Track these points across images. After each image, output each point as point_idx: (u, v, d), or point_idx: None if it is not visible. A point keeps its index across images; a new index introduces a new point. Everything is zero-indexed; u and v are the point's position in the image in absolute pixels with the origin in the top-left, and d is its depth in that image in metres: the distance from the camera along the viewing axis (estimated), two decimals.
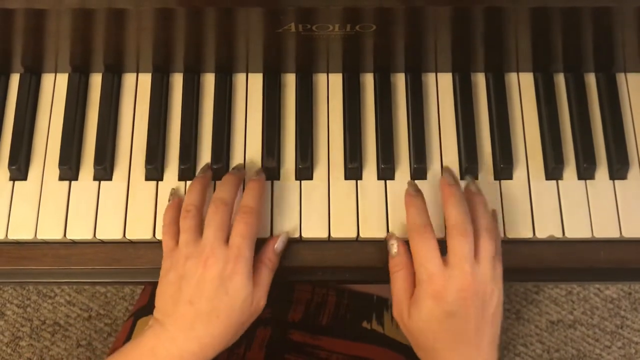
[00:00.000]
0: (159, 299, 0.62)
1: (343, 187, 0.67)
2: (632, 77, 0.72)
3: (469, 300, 0.57)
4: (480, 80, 0.72)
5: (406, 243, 0.62)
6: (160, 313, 0.61)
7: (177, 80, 0.71)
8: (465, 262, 0.58)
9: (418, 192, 0.64)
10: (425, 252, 0.59)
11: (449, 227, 0.60)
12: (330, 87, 0.71)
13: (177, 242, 0.62)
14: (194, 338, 0.59)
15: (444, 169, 0.64)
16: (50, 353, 1.38)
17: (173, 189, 0.67)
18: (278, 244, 0.64)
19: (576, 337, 1.39)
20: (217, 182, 0.67)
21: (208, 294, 0.59)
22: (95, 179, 0.68)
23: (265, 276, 0.63)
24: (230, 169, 0.67)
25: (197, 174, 0.67)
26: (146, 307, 0.83)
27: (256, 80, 0.71)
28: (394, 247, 0.62)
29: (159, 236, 0.66)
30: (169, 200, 0.66)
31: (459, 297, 0.57)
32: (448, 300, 0.57)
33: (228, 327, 0.60)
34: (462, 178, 0.68)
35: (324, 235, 0.66)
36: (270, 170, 0.67)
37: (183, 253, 0.60)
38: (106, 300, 1.39)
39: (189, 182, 0.67)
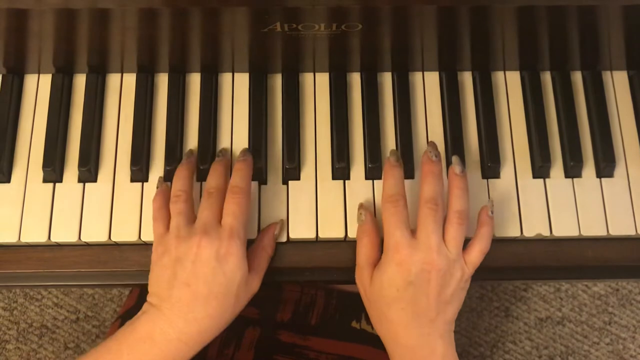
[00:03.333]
0: (153, 283, 0.61)
1: (330, 187, 0.67)
2: (617, 74, 0.72)
3: (431, 274, 0.59)
4: (467, 79, 0.71)
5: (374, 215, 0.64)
6: (155, 298, 0.61)
7: (162, 81, 0.70)
8: (432, 235, 0.59)
9: (399, 161, 0.64)
10: (395, 221, 0.60)
11: (421, 202, 0.61)
12: (317, 86, 0.71)
13: (167, 227, 0.62)
14: (193, 320, 0.59)
15: (429, 143, 0.64)
16: (38, 356, 1.36)
17: (160, 177, 0.67)
18: (277, 230, 0.65)
19: (565, 333, 1.39)
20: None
21: (205, 275, 0.59)
22: (79, 180, 0.67)
23: (264, 261, 0.64)
24: (217, 152, 0.67)
25: (182, 161, 0.66)
26: (134, 309, 0.82)
27: (242, 80, 0.71)
28: (362, 215, 0.63)
29: (145, 238, 0.65)
30: (157, 187, 0.65)
31: (422, 270, 0.59)
32: (411, 270, 0.58)
33: (225, 308, 0.60)
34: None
35: (312, 235, 0.65)
36: (257, 170, 0.67)
37: (175, 236, 0.60)
38: (94, 302, 1.38)
39: None
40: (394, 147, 0.68)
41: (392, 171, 0.63)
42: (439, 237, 0.60)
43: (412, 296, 0.59)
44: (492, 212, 0.63)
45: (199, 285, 0.59)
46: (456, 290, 0.60)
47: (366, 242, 0.63)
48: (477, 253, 0.62)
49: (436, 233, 0.60)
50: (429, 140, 0.69)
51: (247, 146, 0.68)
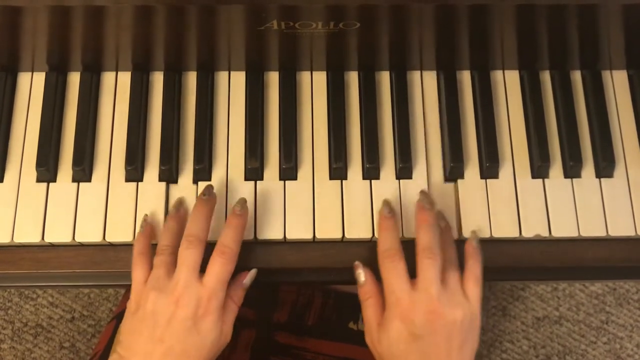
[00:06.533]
0: (125, 334, 0.60)
1: (328, 187, 0.66)
2: (617, 74, 0.71)
3: (435, 323, 0.58)
4: (465, 78, 0.71)
5: (372, 271, 0.62)
6: (125, 349, 0.59)
7: (158, 79, 0.70)
8: (432, 285, 0.58)
9: (391, 213, 0.63)
10: (394, 276, 0.59)
11: (418, 252, 0.60)
12: (314, 85, 0.70)
13: (146, 275, 0.61)
14: None
15: (421, 192, 0.64)
16: (33, 355, 1.36)
17: (146, 215, 0.65)
18: (247, 280, 0.63)
19: (562, 333, 1.39)
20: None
21: (179, 334, 0.58)
22: (73, 180, 0.66)
23: (232, 311, 0.62)
24: (199, 194, 0.63)
25: (170, 211, 0.64)
26: None
27: (239, 79, 0.70)
28: (362, 276, 0.63)
29: None
30: (141, 228, 0.63)
31: (426, 320, 0.58)
32: (415, 322, 0.57)
33: None
34: (447, 178, 0.67)
35: (309, 236, 0.65)
36: (254, 170, 0.66)
37: (154, 289, 0.59)
38: (89, 302, 1.38)
39: (170, 185, 0.66)
40: (392, 146, 0.68)
41: (386, 223, 0.63)
42: (438, 286, 0.59)
43: (421, 349, 0.58)
44: (476, 243, 0.62)
45: (173, 342, 0.58)
46: (468, 333, 0.59)
47: (372, 303, 0.61)
48: (472, 286, 0.60)
49: (436, 282, 0.59)
50: (427, 136, 0.68)
51: (243, 145, 0.67)
